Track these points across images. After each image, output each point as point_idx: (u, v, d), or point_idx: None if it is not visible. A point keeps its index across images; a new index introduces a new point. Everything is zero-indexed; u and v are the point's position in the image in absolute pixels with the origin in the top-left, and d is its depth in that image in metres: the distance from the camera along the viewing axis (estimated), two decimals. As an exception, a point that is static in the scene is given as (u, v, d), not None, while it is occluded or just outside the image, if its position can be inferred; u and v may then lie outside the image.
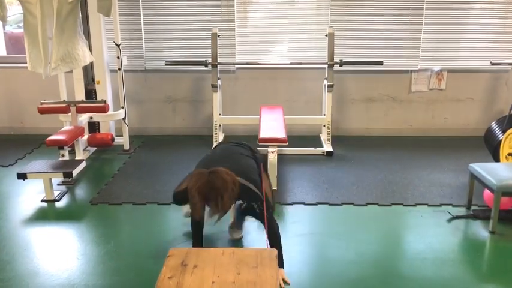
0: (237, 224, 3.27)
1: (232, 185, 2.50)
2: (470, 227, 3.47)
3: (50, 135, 4.31)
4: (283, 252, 2.75)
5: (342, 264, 2.95)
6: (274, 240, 2.72)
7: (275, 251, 2.22)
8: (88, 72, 5.17)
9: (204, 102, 5.69)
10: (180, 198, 2.96)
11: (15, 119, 5.83)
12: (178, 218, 3.62)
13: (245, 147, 3.18)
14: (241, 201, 2.96)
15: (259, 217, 2.78)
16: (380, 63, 5.17)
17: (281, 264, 2.70)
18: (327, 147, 5.10)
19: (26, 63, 4.19)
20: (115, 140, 5.13)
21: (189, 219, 3.03)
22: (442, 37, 5.43)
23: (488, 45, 5.43)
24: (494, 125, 4.44)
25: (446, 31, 5.41)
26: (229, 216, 3.25)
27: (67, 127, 4.63)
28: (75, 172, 3.93)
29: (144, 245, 3.20)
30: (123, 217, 3.69)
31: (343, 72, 5.39)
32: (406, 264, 2.98)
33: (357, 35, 5.42)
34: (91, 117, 5.00)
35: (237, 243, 3.23)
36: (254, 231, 3.40)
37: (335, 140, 5.29)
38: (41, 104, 4.66)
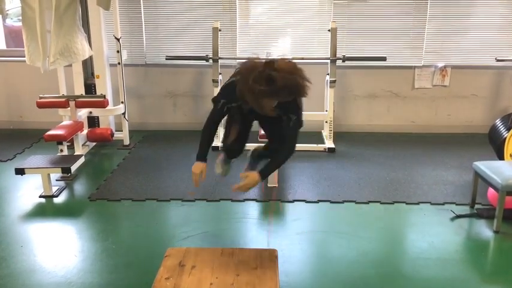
0: (251, 166, 3.26)
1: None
2: (473, 226, 3.42)
3: (49, 130, 4.27)
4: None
5: (344, 263, 2.91)
6: (283, 155, 2.72)
7: (275, 251, 2.17)
8: (88, 66, 5.12)
9: (205, 97, 5.63)
10: (230, 92, 2.68)
11: (15, 113, 5.78)
12: (178, 215, 3.59)
13: None
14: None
15: (287, 131, 2.70)
16: (383, 58, 5.11)
17: (262, 173, 2.70)
18: (329, 143, 5.04)
19: (25, 56, 4.15)
20: (115, 135, 5.08)
21: None
22: (446, 33, 5.36)
23: (493, 41, 5.35)
24: (498, 122, 4.38)
25: (450, 27, 5.34)
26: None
27: (66, 122, 4.58)
28: (73, 167, 3.89)
29: (143, 242, 3.16)
30: (122, 214, 3.64)
31: (346, 67, 5.32)
32: (408, 263, 2.94)
33: (360, 30, 5.35)
34: (90, 112, 4.95)
35: (237, 243, 3.19)
36: (255, 231, 3.37)
37: (337, 136, 5.23)
38: (40, 98, 4.61)
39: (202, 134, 2.79)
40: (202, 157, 2.76)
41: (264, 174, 2.72)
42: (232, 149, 3.13)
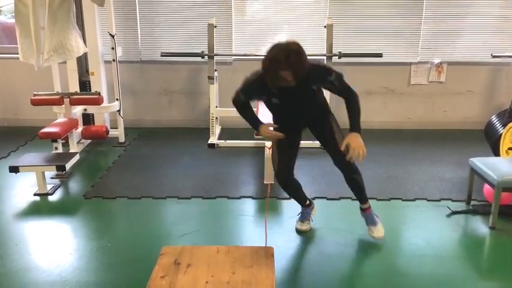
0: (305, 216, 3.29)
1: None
2: (470, 222, 3.42)
3: (44, 127, 4.24)
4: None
5: (340, 260, 2.90)
6: (355, 101, 2.87)
7: (272, 249, 2.16)
8: (82, 63, 5.09)
9: (200, 94, 5.62)
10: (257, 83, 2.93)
11: (9, 110, 5.74)
12: (174, 212, 3.58)
13: None
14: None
15: (337, 90, 2.87)
16: (379, 55, 5.09)
17: (357, 127, 2.84)
18: (325, 140, 5.02)
19: (18, 53, 4.12)
20: (110, 133, 5.06)
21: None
22: (442, 29, 5.36)
23: (489, 37, 5.35)
24: (494, 118, 4.38)
25: (446, 23, 5.34)
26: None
27: (61, 119, 4.55)
28: (68, 165, 3.87)
29: (138, 240, 3.14)
30: (117, 212, 3.62)
31: (342, 64, 5.28)
32: (404, 260, 2.93)
33: (356, 26, 5.34)
34: (85, 109, 4.92)
35: (233, 241, 3.19)
36: (251, 229, 3.36)
37: (333, 133, 5.21)
38: (34, 95, 4.58)
39: (244, 115, 3.04)
40: (259, 121, 3.00)
41: (359, 127, 2.84)
42: (283, 173, 3.05)
